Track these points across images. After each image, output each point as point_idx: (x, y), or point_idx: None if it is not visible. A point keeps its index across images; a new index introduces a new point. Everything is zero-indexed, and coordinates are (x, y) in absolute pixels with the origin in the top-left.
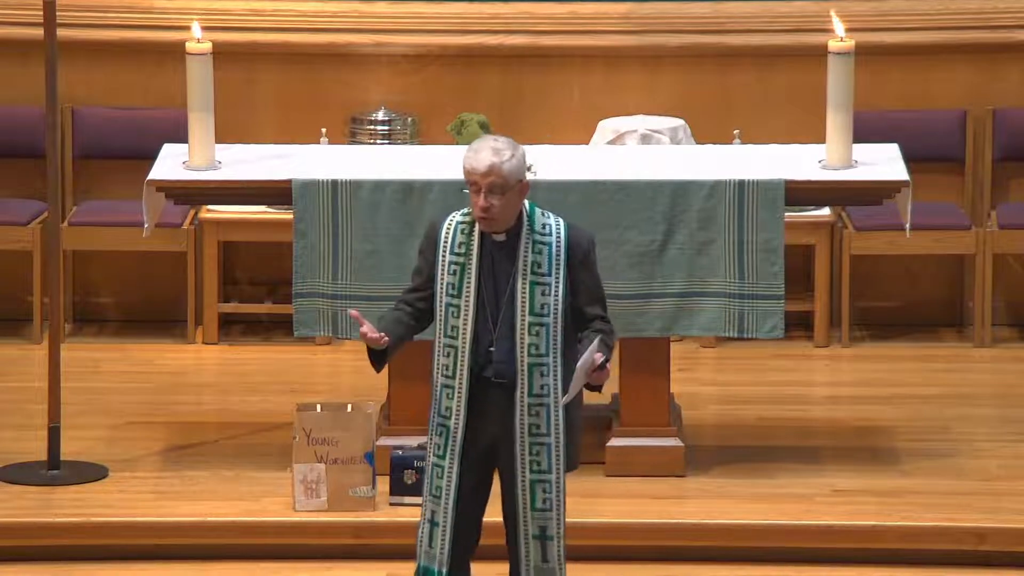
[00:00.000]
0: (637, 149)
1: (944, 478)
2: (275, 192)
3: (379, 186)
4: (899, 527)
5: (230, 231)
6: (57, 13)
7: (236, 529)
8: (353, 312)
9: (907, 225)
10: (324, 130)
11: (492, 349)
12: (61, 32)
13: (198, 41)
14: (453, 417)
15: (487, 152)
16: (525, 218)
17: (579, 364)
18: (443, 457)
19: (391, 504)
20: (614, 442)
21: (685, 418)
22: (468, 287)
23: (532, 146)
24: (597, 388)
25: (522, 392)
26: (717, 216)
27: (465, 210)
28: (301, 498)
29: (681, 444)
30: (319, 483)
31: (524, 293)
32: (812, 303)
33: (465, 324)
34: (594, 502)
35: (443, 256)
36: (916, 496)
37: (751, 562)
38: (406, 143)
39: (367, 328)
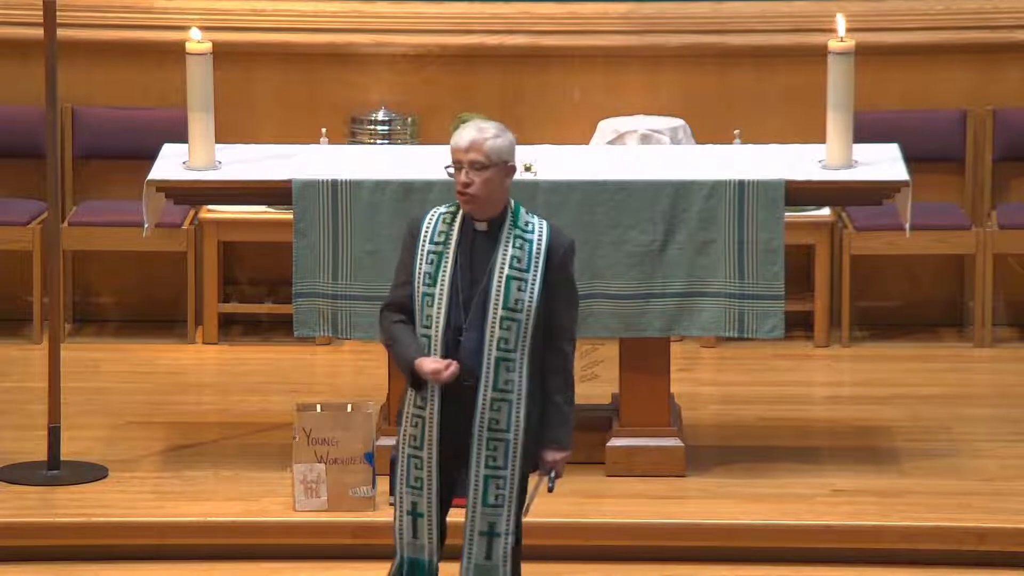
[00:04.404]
0: (637, 149)
1: (944, 478)
2: (275, 192)
3: (379, 186)
4: (899, 527)
5: (230, 231)
6: (57, 13)
7: (236, 529)
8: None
9: (907, 225)
10: (324, 130)
11: (461, 338)
12: (61, 32)
13: (198, 41)
14: (428, 407)
15: (471, 130)
16: (509, 212)
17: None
18: (420, 448)
19: (391, 504)
20: (614, 442)
21: (685, 418)
22: (443, 275)
23: (532, 146)
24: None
25: (486, 385)
26: (717, 216)
27: (451, 203)
28: (301, 498)
29: (681, 444)
30: (319, 483)
31: (500, 286)
32: (812, 303)
33: (439, 312)
34: (594, 502)
35: (422, 247)
36: (916, 496)
37: (751, 562)
38: (406, 143)
39: (441, 367)
